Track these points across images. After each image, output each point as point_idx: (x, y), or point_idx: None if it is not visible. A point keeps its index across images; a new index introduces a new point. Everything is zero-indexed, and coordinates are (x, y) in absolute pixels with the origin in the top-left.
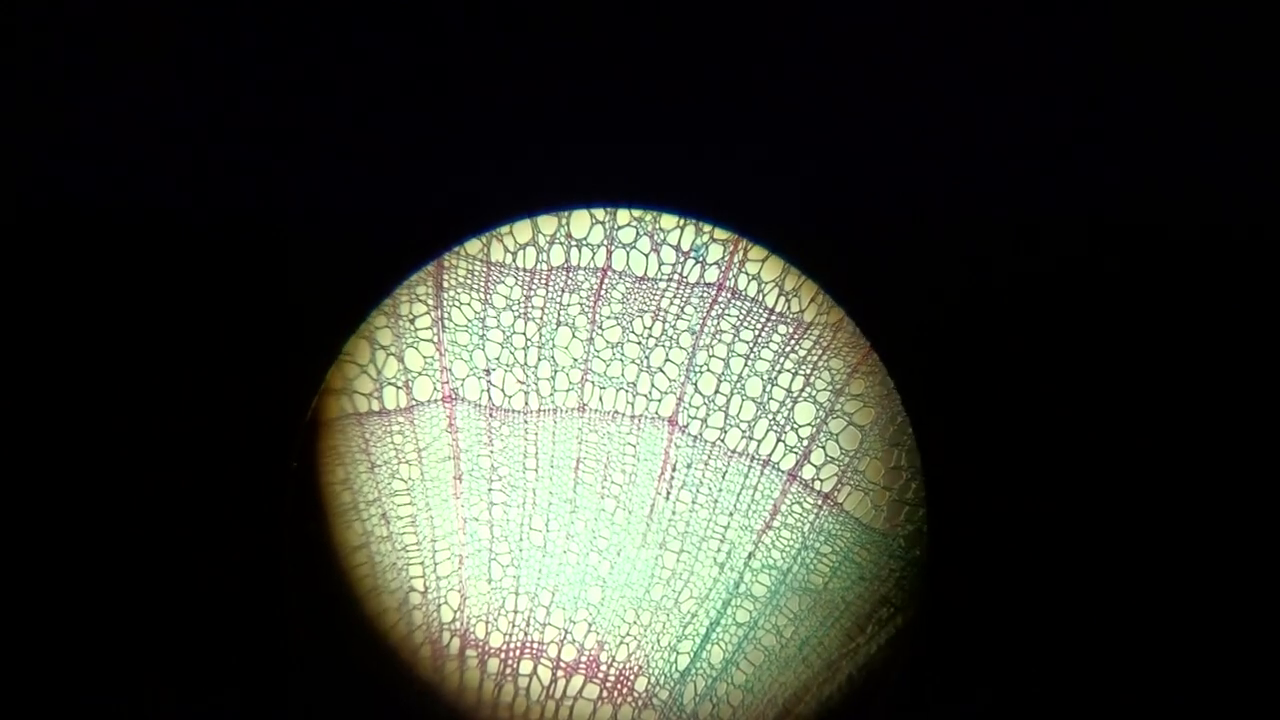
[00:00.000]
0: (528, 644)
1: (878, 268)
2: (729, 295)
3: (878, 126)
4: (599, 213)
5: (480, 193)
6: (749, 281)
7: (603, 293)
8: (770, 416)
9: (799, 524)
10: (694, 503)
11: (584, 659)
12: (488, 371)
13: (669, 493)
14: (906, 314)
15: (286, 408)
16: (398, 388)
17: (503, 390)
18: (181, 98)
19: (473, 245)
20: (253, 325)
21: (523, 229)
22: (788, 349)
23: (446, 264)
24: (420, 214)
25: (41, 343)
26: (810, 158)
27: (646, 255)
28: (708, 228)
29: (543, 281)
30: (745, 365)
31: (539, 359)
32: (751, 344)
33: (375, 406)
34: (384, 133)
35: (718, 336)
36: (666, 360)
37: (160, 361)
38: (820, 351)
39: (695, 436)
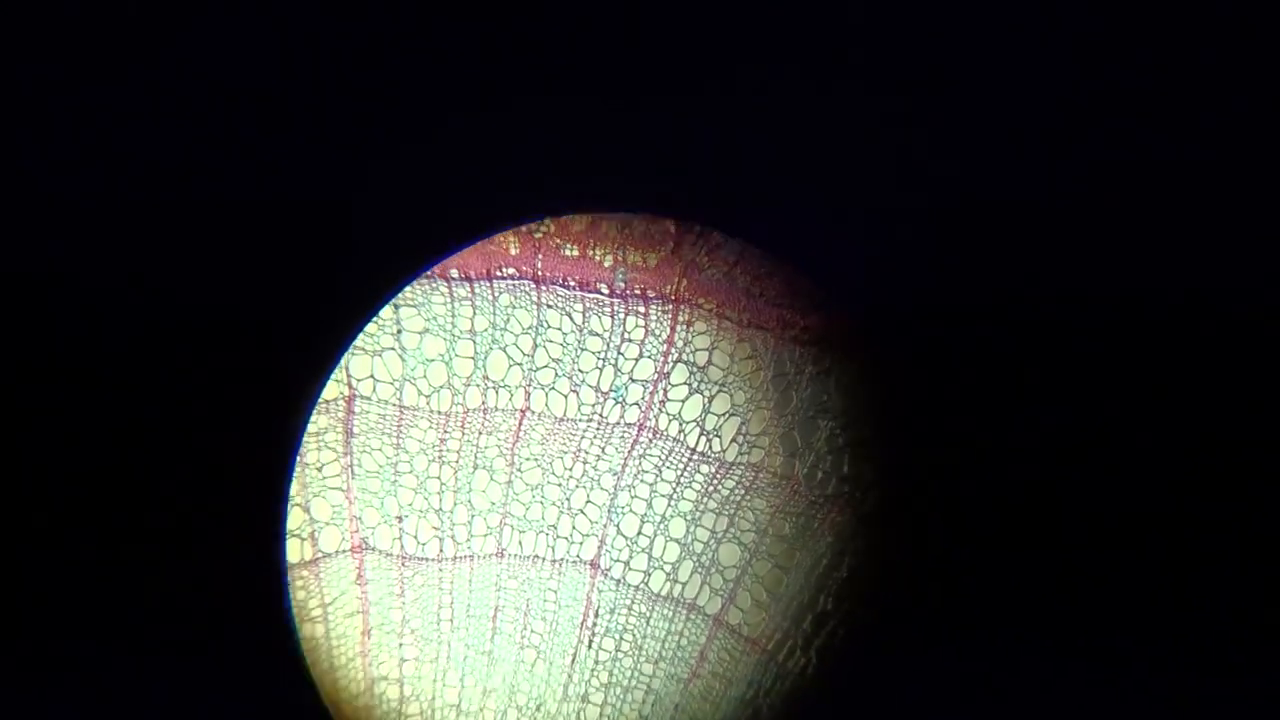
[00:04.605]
0: None
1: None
2: (650, 435)
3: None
4: (515, 353)
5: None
6: (670, 421)
7: (521, 434)
8: (695, 558)
9: (728, 672)
10: (617, 650)
11: None
12: (400, 518)
13: (591, 640)
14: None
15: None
16: (302, 539)
17: (416, 537)
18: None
19: (385, 390)
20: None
21: (437, 371)
22: (711, 489)
23: (357, 409)
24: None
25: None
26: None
27: (565, 396)
28: (626, 367)
29: (459, 424)
30: (668, 506)
31: (454, 504)
32: (674, 484)
33: None
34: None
35: (640, 477)
36: (588, 502)
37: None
38: (743, 491)
39: (618, 580)
